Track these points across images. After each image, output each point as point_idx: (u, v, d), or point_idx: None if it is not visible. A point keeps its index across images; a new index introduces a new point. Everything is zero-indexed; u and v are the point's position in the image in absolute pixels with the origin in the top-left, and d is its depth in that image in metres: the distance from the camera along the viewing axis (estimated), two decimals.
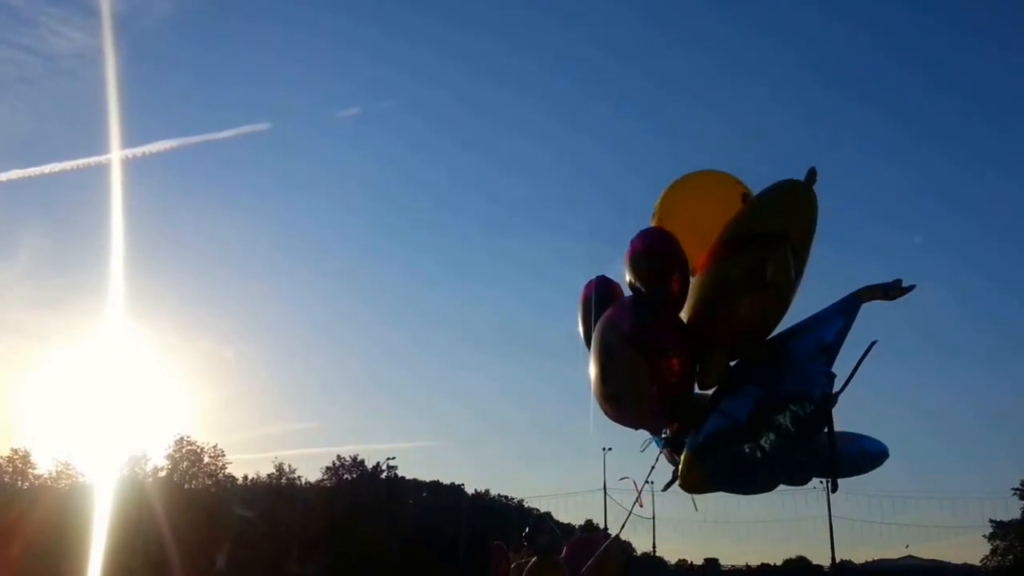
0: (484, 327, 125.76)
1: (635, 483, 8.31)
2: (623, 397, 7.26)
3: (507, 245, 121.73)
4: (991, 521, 61.76)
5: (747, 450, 6.58)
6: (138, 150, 53.88)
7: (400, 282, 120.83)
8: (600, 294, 7.80)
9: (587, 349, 7.76)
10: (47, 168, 64.72)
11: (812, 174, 6.86)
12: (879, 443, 7.45)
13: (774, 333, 6.95)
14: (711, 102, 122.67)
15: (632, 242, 7.20)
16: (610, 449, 64.60)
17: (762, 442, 6.52)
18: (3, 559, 42.14)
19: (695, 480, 6.81)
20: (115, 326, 35.86)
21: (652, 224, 7.68)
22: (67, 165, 61.24)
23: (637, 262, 7.05)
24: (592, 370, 7.59)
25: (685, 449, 6.93)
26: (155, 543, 46.63)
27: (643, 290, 7.07)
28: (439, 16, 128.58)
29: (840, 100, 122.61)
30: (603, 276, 7.92)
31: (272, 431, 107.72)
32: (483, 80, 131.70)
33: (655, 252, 6.99)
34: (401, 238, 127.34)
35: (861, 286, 6.92)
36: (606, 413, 7.57)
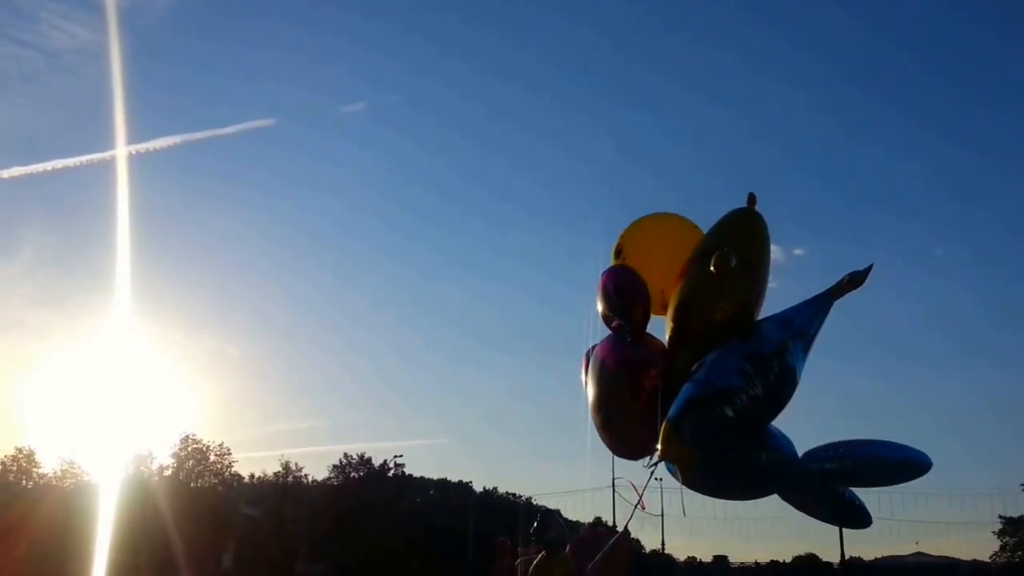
0: (491, 324, 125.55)
1: (634, 486, 8.86)
2: (615, 417, 8.10)
3: (514, 241, 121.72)
4: (1001, 517, 61.39)
5: (719, 413, 7.00)
6: (142, 146, 53.73)
7: (407, 278, 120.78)
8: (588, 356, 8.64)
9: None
10: (50, 165, 64.63)
11: (751, 199, 7.85)
12: (922, 454, 7.82)
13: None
14: (718, 96, 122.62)
15: (602, 279, 8.33)
16: None
17: (733, 401, 6.97)
18: (8, 558, 41.97)
19: (676, 452, 7.23)
20: (120, 324, 35.73)
21: (613, 257, 8.64)
22: (70, 162, 61.06)
23: (607, 297, 8.20)
24: (591, 414, 8.41)
25: (663, 422, 7.28)
26: (160, 542, 46.43)
27: (613, 320, 8.22)
28: (444, 11, 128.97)
29: (848, 91, 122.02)
30: (596, 346, 8.63)
31: (278, 429, 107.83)
32: (488, 75, 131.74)
33: (621, 288, 8.13)
34: (407, 234, 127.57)
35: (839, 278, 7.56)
36: (609, 447, 8.40)
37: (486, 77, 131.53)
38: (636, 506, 8.48)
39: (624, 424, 8.08)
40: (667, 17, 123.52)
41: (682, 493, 8.22)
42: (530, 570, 8.65)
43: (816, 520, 8.52)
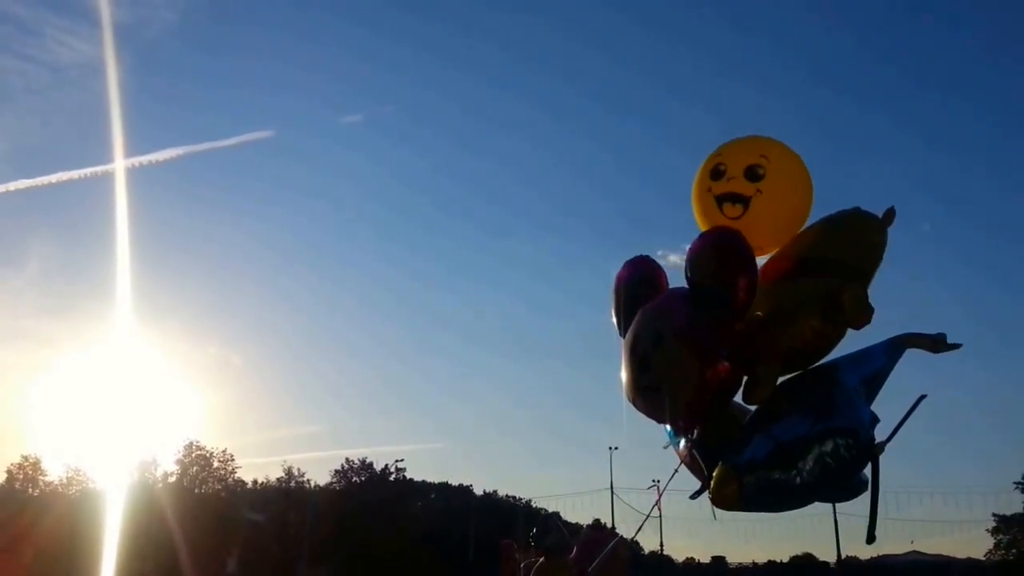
0: (491, 329, 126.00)
1: (659, 489, 8.32)
2: (663, 391, 6.81)
3: (512, 247, 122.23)
4: (994, 515, 61.49)
5: (786, 476, 6.50)
6: (144, 158, 54.12)
7: (406, 285, 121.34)
8: (642, 277, 7.36)
9: (620, 335, 7.27)
10: (54, 177, 65.06)
11: (890, 214, 6.76)
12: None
13: (826, 362, 6.77)
14: (712, 104, 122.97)
15: (702, 238, 6.77)
16: (617, 448, 64.78)
17: (803, 471, 6.44)
18: (15, 565, 42.30)
19: (730, 498, 6.61)
20: (123, 332, 36.08)
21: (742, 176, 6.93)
22: (74, 174, 61.34)
23: (704, 261, 6.61)
24: (627, 358, 7.13)
25: (722, 464, 6.70)
26: (166, 548, 46.75)
27: (704, 288, 6.61)
28: (441, 22, 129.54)
29: (838, 99, 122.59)
30: (645, 256, 7.51)
31: (281, 435, 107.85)
32: (485, 85, 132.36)
33: (728, 255, 6.52)
34: (406, 242, 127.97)
35: (907, 332, 6.85)
36: (636, 404, 7.18)
37: (483, 87, 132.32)
38: (652, 509, 8.30)
39: (675, 401, 6.81)
40: (660, 28, 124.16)
41: (713, 509, 7.35)
42: (532, 574, 8.75)
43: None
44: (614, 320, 7.46)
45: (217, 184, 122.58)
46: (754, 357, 6.70)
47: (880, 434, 6.72)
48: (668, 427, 7.66)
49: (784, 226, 6.94)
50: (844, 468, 6.57)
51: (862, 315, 6.38)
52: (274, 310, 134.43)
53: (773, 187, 6.85)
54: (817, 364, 6.82)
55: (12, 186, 60.08)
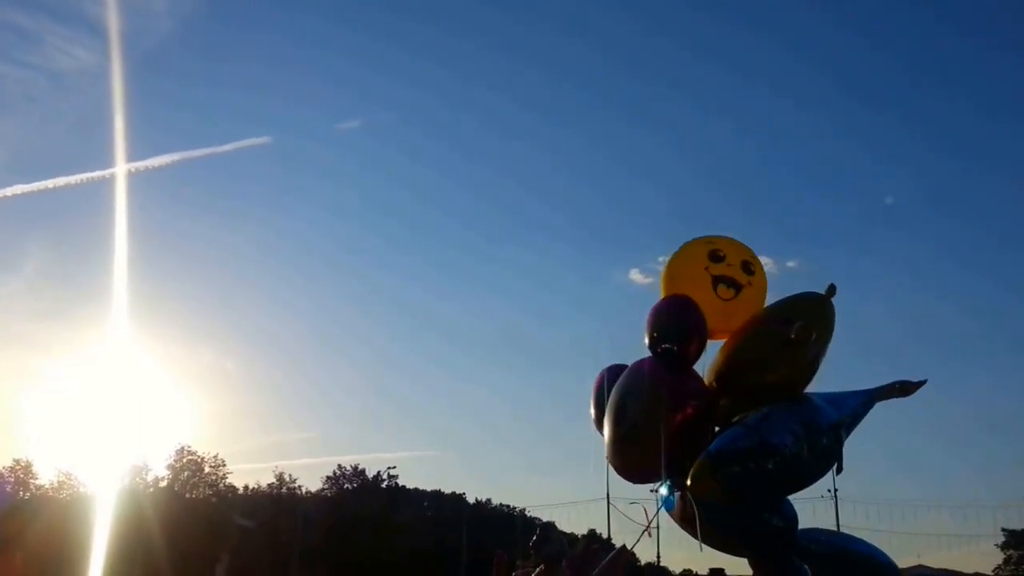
0: (486, 336, 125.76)
1: (646, 511, 8.90)
2: (639, 433, 7.93)
3: (508, 254, 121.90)
4: (1004, 530, 61.39)
5: (763, 465, 7.22)
6: (141, 164, 54.17)
7: (401, 292, 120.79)
8: (613, 373, 8.56)
9: (598, 430, 8.53)
10: (52, 182, 65.04)
11: (831, 289, 8.08)
12: (886, 557, 8.78)
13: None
14: (713, 109, 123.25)
15: (661, 304, 8.38)
16: None
17: (780, 458, 7.24)
18: (5, 568, 42.15)
19: (707, 488, 7.33)
20: (117, 338, 36.07)
21: (740, 272, 8.53)
22: (71, 179, 61.50)
23: (668, 324, 8.19)
24: (608, 422, 8.30)
25: (700, 456, 7.38)
26: (156, 553, 46.55)
27: (661, 345, 8.14)
28: (439, 27, 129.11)
29: (843, 102, 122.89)
30: (615, 365, 8.77)
31: (273, 441, 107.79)
32: (483, 90, 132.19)
33: (683, 320, 8.14)
34: (402, 248, 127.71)
35: (882, 383, 8.22)
36: (617, 465, 8.35)
37: (480, 92, 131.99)
38: (643, 532, 8.57)
39: (644, 444, 7.94)
40: (662, 29, 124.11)
41: (700, 544, 8.09)
42: None
43: None
44: (593, 420, 8.80)
45: (214, 190, 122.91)
46: (720, 395, 8.06)
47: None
48: (663, 490, 8.36)
49: (750, 316, 8.45)
50: (817, 456, 7.46)
51: (804, 336, 7.58)
52: (269, 316, 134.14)
53: (759, 284, 8.59)
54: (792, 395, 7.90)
55: (9, 191, 60.06)
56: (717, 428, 8.10)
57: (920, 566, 70.84)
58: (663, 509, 8.28)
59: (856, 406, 7.95)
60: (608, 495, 57.31)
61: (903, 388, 7.96)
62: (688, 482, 7.50)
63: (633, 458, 8.23)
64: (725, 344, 8.37)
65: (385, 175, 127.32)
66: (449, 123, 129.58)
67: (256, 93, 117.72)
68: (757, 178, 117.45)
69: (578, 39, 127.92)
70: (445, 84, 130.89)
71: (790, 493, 7.86)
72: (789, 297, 8.39)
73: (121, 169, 35.83)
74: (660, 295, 8.84)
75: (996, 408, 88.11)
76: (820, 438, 7.46)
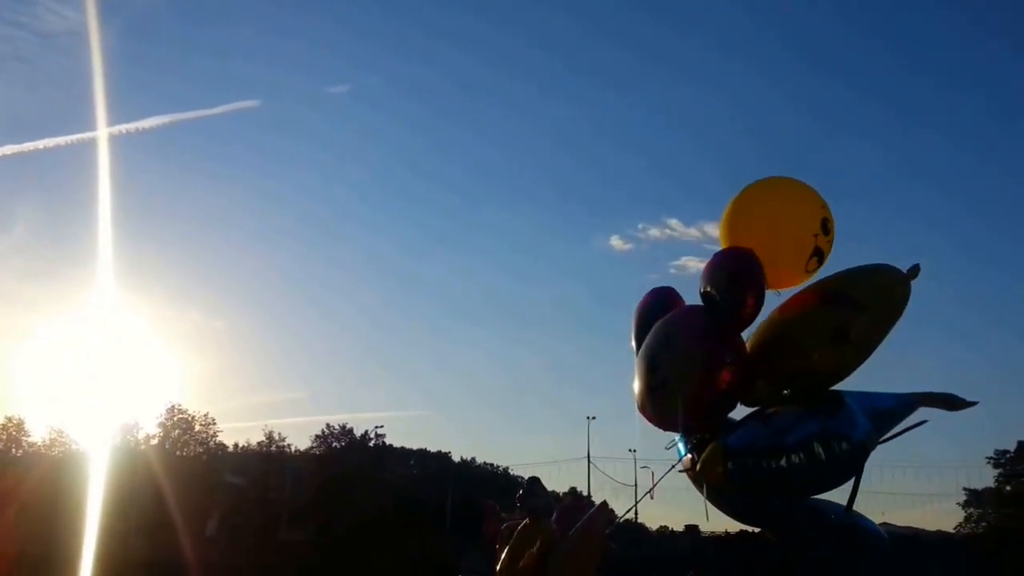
0: (471, 298, 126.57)
1: (653, 475, 8.96)
2: (669, 388, 7.58)
3: (493, 217, 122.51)
4: (965, 489, 62.18)
5: (775, 465, 7.04)
6: (130, 126, 54.13)
7: (387, 254, 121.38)
8: (661, 303, 8.31)
9: (635, 352, 8.15)
10: (41, 143, 64.68)
11: (914, 270, 7.39)
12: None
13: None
14: (696, 80, 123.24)
15: (718, 255, 7.72)
16: (594, 418, 65.83)
17: (793, 460, 7.01)
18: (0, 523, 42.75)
19: (716, 474, 7.22)
20: (107, 297, 36.43)
21: (724, 221, 8.07)
22: (61, 140, 61.22)
23: (718, 276, 7.52)
24: (638, 366, 7.95)
25: (716, 442, 7.26)
26: (148, 509, 47.33)
27: (717, 300, 7.53)
28: None
29: (831, 82, 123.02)
30: (668, 287, 8.50)
31: (262, 400, 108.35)
32: (469, 57, 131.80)
33: (740, 273, 7.47)
34: (389, 211, 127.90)
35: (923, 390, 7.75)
36: (645, 410, 7.96)
37: (467, 59, 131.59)
38: (647, 494, 8.77)
39: (672, 400, 7.56)
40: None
41: (706, 509, 7.89)
42: (514, 535, 8.94)
43: None
44: (633, 344, 8.29)
45: (203, 152, 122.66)
46: (768, 375, 7.48)
47: None
48: (678, 436, 8.30)
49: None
50: (833, 464, 7.12)
51: (865, 342, 7.07)
52: (257, 277, 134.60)
53: (830, 245, 7.87)
54: (828, 391, 7.46)
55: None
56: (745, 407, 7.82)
57: (885, 524, 72.51)
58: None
59: (892, 408, 7.57)
60: (589, 455, 58.32)
61: (949, 402, 7.54)
62: (698, 466, 7.40)
63: (660, 410, 7.83)
64: (775, 312, 7.76)
65: (373, 139, 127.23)
66: (436, 89, 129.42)
67: (245, 57, 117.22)
68: (739, 146, 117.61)
69: (562, 7, 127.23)
70: (432, 50, 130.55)
71: (802, 497, 7.65)
72: (861, 269, 7.56)
73: (111, 131, 35.92)
74: (732, 235, 8.04)
75: (961, 370, 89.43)
76: (841, 449, 7.05)
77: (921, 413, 7.94)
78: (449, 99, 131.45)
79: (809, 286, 7.72)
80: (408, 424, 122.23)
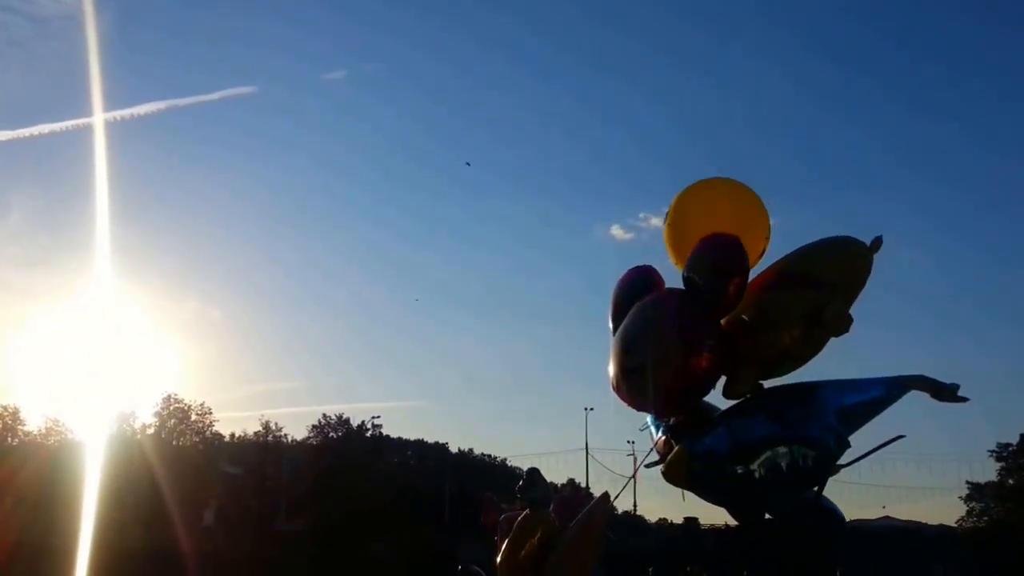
0: (469, 288, 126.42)
1: (635, 459, 8.93)
2: (645, 371, 7.50)
3: (492, 206, 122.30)
4: (967, 483, 61.92)
5: (739, 471, 7.10)
6: (127, 111, 53.79)
7: (386, 243, 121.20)
8: (642, 282, 8.20)
9: (613, 332, 8.04)
10: (36, 129, 64.32)
11: (877, 242, 7.34)
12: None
13: (815, 380, 7.54)
14: (697, 68, 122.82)
15: (704, 240, 7.60)
16: (592, 409, 65.81)
17: (754, 470, 7.04)
18: None
19: (679, 476, 7.30)
20: (104, 285, 36.17)
21: (665, 222, 8.09)
22: (56, 126, 60.90)
23: (702, 261, 7.45)
24: (614, 347, 7.89)
25: (681, 444, 7.36)
26: (144, 499, 47.17)
27: (699, 284, 7.45)
28: None
29: (835, 72, 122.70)
30: (647, 266, 8.36)
31: (259, 390, 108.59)
32: (468, 44, 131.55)
33: (725, 257, 7.40)
34: (387, 199, 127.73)
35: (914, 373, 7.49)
36: (620, 391, 7.90)
37: (465, 45, 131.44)
38: (629, 480, 8.69)
39: (646, 383, 7.48)
40: None
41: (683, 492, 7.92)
42: (515, 526, 8.90)
43: None
44: (610, 324, 8.15)
45: (200, 138, 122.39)
46: (736, 357, 7.39)
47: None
48: (650, 417, 8.33)
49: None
50: (796, 476, 7.12)
51: (841, 326, 7.00)
52: (254, 265, 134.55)
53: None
54: (803, 382, 7.47)
55: None
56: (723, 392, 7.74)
57: (886, 517, 72.58)
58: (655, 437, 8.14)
59: (876, 398, 7.39)
60: (587, 446, 58.38)
61: (935, 390, 7.23)
62: (663, 466, 7.52)
63: (634, 392, 7.79)
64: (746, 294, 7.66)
65: (370, 126, 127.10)
66: (434, 76, 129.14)
67: (242, 43, 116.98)
68: (737, 136, 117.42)
69: None
70: (430, 37, 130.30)
71: (763, 503, 7.67)
72: (824, 242, 7.58)
73: (107, 117, 35.64)
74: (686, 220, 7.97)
75: (963, 362, 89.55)
76: (805, 461, 7.05)
77: (901, 425, 7.78)
78: (447, 86, 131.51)
79: (771, 266, 7.70)
80: (406, 415, 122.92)
